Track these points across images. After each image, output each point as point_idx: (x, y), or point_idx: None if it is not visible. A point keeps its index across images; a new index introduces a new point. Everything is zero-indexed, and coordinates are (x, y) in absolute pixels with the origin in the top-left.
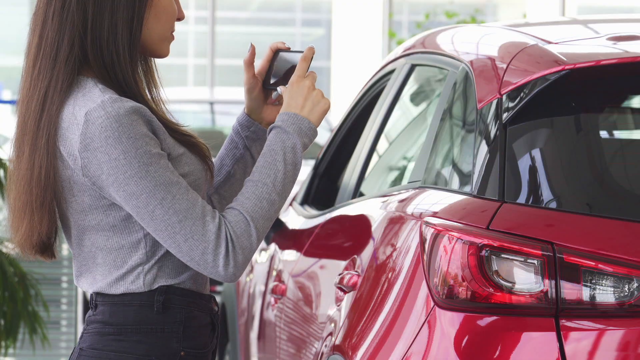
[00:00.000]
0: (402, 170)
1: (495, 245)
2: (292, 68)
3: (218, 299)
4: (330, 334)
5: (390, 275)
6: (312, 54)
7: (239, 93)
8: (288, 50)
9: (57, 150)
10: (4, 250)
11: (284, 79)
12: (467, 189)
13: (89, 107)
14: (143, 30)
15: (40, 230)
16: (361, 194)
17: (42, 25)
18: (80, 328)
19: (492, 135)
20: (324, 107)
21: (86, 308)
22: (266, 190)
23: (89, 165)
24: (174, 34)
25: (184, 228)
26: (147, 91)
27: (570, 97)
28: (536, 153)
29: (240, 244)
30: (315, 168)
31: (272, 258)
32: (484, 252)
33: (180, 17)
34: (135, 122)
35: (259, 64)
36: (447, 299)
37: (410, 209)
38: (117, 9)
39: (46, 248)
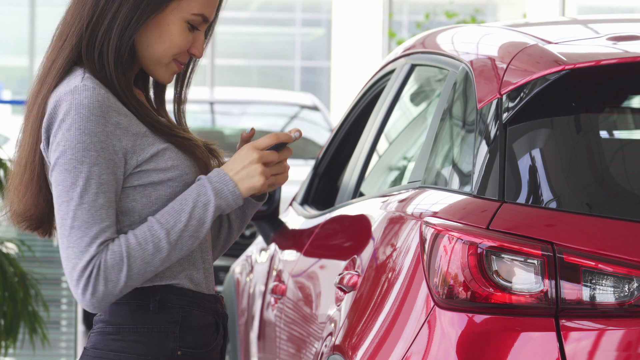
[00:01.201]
0: (402, 170)
1: (495, 245)
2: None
3: None
4: (330, 334)
5: (390, 275)
6: (287, 139)
7: (239, 93)
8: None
9: (41, 134)
10: (4, 250)
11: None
12: (467, 189)
13: (64, 90)
14: (142, 45)
15: (18, 207)
16: (361, 194)
17: (67, 9)
18: (80, 328)
19: (492, 135)
20: (255, 183)
21: None
22: (158, 235)
23: (47, 145)
24: (180, 65)
25: (71, 235)
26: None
27: (570, 97)
28: (536, 153)
29: (105, 275)
30: (315, 168)
31: (272, 258)
32: (484, 252)
33: (194, 53)
34: (94, 117)
35: (265, 138)
36: (447, 299)
37: (410, 209)
38: (118, 14)
39: (34, 226)
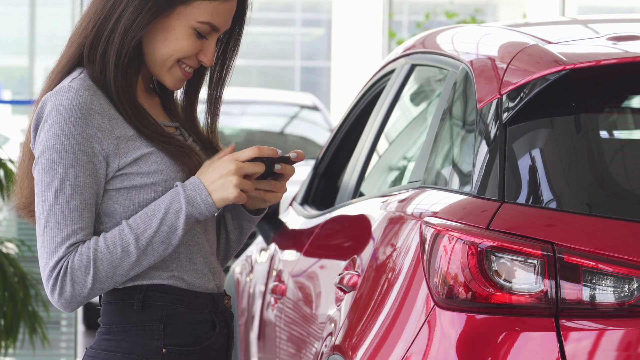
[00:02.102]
0: (402, 170)
1: (495, 245)
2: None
3: None
4: (330, 334)
5: (390, 275)
6: (270, 153)
7: (239, 93)
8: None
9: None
10: (4, 250)
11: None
12: (467, 189)
13: (53, 90)
14: (149, 49)
15: (20, 201)
16: (361, 194)
17: (87, 7)
18: (80, 328)
19: (492, 135)
20: (227, 195)
21: (86, 308)
22: (127, 239)
23: (34, 144)
24: (186, 72)
25: (45, 235)
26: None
27: (570, 97)
28: (536, 153)
29: (72, 276)
30: (315, 168)
31: (272, 258)
32: (484, 252)
33: (203, 61)
34: (73, 119)
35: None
36: (447, 299)
37: (410, 209)
38: (123, 17)
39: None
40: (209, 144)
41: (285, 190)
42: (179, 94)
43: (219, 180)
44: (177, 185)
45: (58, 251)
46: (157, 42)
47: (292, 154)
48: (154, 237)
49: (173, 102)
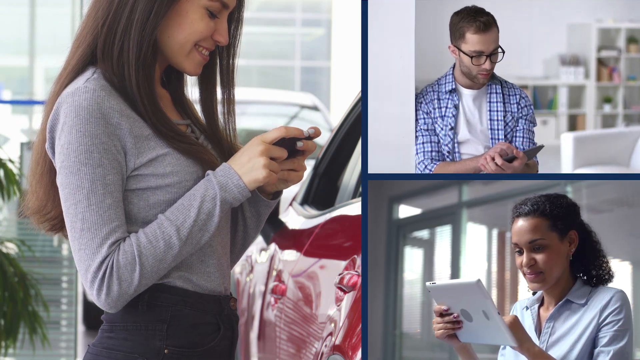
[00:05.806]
0: None
1: None
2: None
3: None
4: (330, 334)
5: None
6: (297, 133)
7: (239, 93)
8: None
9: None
10: (4, 250)
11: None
12: None
13: (67, 91)
14: (164, 38)
15: (34, 204)
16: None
17: (86, 13)
18: (80, 328)
19: None
20: (257, 176)
21: (86, 308)
22: (168, 232)
23: (50, 146)
24: (204, 55)
25: (82, 237)
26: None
27: None
28: None
29: (119, 275)
30: (315, 168)
31: (272, 258)
32: None
33: (219, 40)
34: (93, 119)
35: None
36: None
37: None
38: (135, 10)
39: (57, 226)
40: (219, 141)
41: (305, 168)
42: (190, 93)
43: (248, 163)
44: (208, 174)
45: (100, 251)
46: (172, 29)
47: (309, 130)
48: (193, 226)
49: (184, 98)
